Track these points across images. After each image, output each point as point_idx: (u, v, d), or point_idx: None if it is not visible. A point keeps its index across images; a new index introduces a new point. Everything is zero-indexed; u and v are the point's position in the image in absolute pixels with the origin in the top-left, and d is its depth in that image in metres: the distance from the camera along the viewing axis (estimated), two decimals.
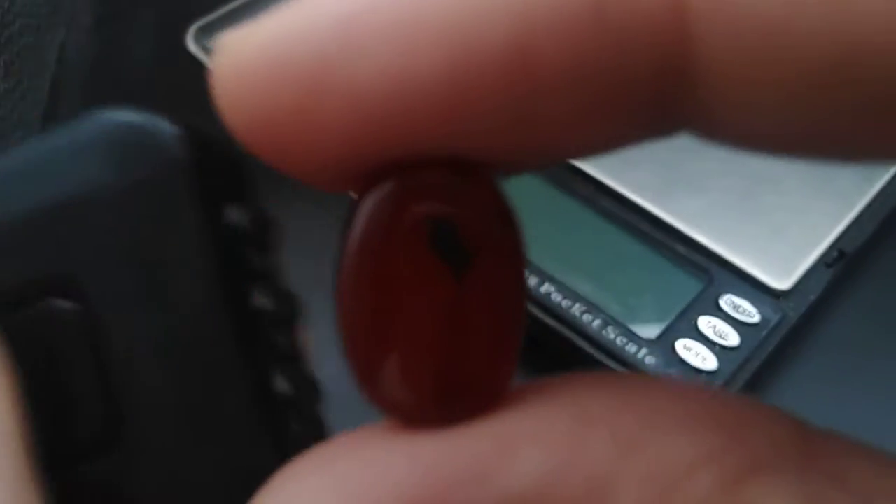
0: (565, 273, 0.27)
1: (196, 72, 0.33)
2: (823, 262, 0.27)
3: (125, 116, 0.11)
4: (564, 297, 0.26)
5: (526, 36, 0.06)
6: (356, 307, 0.07)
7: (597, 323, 0.25)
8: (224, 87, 0.07)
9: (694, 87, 0.07)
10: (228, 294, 0.10)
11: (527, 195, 0.29)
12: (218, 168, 0.11)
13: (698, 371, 0.24)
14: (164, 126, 0.11)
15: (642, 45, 0.06)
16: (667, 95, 0.07)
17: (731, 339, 0.25)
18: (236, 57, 0.07)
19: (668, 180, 0.28)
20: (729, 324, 0.25)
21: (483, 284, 0.07)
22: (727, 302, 0.26)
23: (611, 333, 0.25)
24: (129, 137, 0.11)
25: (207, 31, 0.33)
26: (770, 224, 0.27)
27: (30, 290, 0.10)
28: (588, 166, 0.29)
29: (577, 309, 0.26)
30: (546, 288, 0.26)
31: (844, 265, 0.27)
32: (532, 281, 0.26)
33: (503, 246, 0.07)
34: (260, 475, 0.07)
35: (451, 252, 0.07)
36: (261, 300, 0.11)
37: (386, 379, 0.07)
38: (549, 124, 0.07)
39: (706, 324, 0.25)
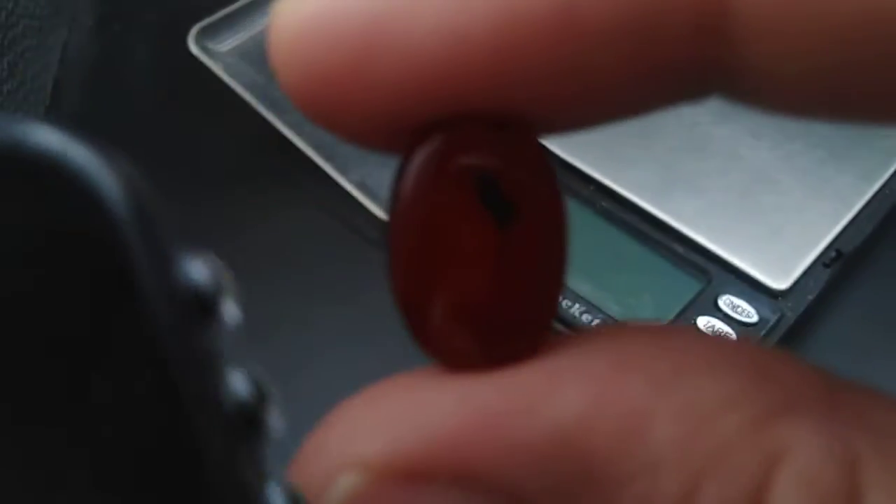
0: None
1: (197, 73, 0.33)
2: (821, 262, 0.27)
3: (31, 140, 0.07)
4: (563, 297, 0.26)
5: None
6: (407, 255, 0.08)
7: (596, 323, 0.25)
8: (280, 45, 0.07)
9: (731, 43, 0.07)
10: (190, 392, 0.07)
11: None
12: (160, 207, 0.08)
13: None
14: (85, 155, 0.07)
15: (681, 1, 0.07)
16: (705, 53, 0.07)
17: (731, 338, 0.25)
18: (292, 16, 0.07)
19: (666, 181, 0.29)
20: (727, 324, 0.25)
21: (526, 234, 0.08)
22: (726, 302, 0.26)
23: None
24: (42, 173, 0.07)
25: (208, 33, 0.33)
26: (768, 224, 0.27)
27: None
28: (587, 166, 0.29)
29: (576, 309, 0.26)
30: None
31: (842, 265, 0.27)
32: None
33: (544, 198, 0.08)
34: None
35: (495, 203, 0.07)
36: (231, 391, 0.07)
37: (435, 324, 0.08)
38: (592, 79, 0.07)
39: (705, 324, 0.25)
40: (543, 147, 0.08)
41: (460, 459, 0.07)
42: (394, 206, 0.07)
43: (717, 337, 0.08)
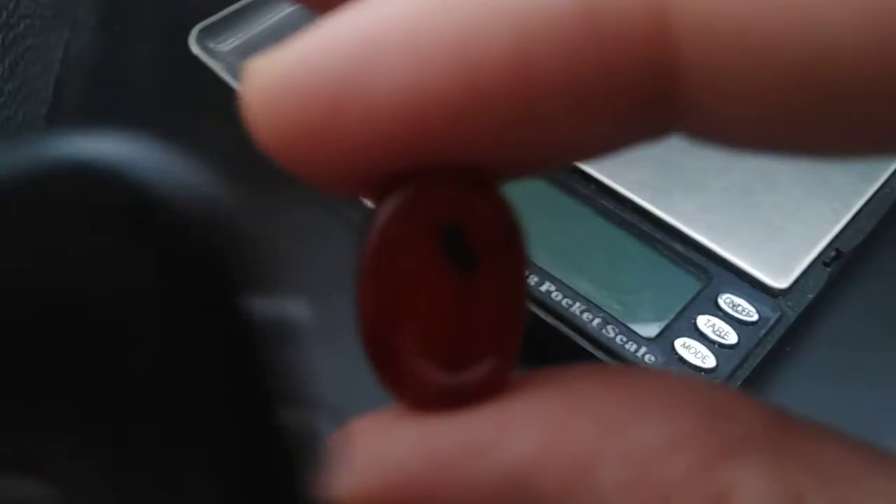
0: (565, 272, 0.27)
1: (198, 73, 0.33)
2: (821, 261, 0.27)
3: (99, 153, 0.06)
4: (564, 296, 0.26)
5: (525, 47, 0.07)
6: (373, 303, 0.08)
7: (596, 321, 0.26)
8: (252, 105, 0.08)
9: (680, 90, 0.07)
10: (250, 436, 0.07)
11: (527, 195, 0.29)
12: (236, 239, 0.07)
13: (697, 369, 0.24)
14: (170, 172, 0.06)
15: (631, 52, 0.07)
16: (657, 98, 0.07)
17: (730, 337, 0.25)
18: (263, 78, 0.07)
19: (667, 180, 0.29)
20: (728, 322, 0.25)
21: (487, 280, 0.08)
22: (726, 301, 0.26)
23: (610, 332, 0.25)
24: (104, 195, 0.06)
25: (210, 33, 0.34)
26: (768, 223, 0.27)
27: None
28: (588, 166, 0.29)
29: (576, 308, 0.26)
30: (546, 286, 0.26)
31: (842, 264, 0.27)
32: (532, 280, 0.26)
33: (507, 251, 0.08)
34: None
35: (458, 255, 0.08)
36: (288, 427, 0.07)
37: (401, 365, 0.08)
38: (549, 129, 0.07)
39: (705, 322, 0.25)
40: (506, 200, 0.08)
41: (419, 499, 0.07)
42: (360, 256, 0.08)
43: (670, 376, 0.08)
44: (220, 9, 0.34)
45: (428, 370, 0.08)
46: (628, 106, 0.07)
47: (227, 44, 0.34)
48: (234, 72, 0.33)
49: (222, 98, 0.32)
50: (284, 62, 0.07)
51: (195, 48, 0.33)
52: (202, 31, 0.33)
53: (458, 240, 0.08)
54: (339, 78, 0.07)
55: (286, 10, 0.35)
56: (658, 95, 0.07)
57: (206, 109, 0.34)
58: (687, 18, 0.07)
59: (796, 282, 0.26)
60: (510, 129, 0.07)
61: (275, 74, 0.08)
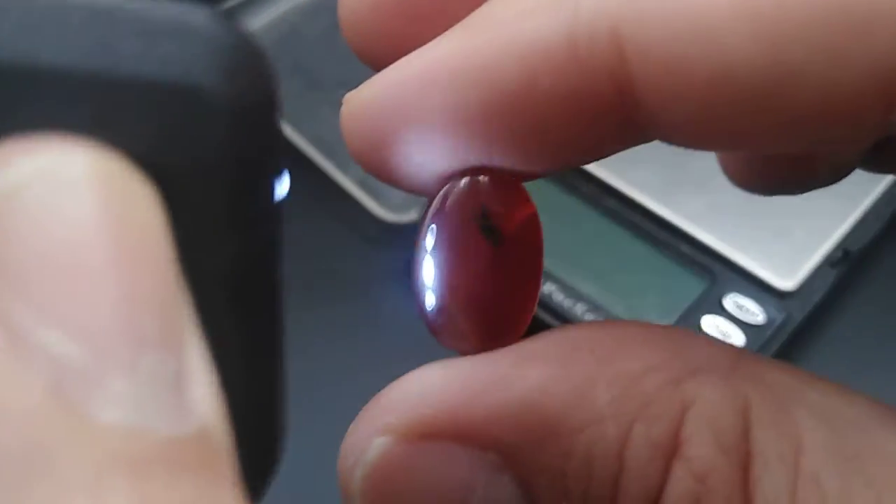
0: (569, 273, 0.26)
1: None
2: (828, 262, 0.26)
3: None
4: (568, 297, 0.26)
5: (529, 72, 0.09)
6: (430, 271, 0.11)
7: None
8: (346, 128, 0.10)
9: (639, 103, 0.09)
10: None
11: (531, 195, 0.29)
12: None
13: None
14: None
15: (600, 69, 0.09)
16: (628, 111, 0.09)
17: (736, 338, 0.25)
18: (351, 108, 0.10)
19: (671, 180, 0.28)
20: (733, 323, 0.25)
21: (511, 256, 0.10)
22: (731, 302, 0.26)
23: None
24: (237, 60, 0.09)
25: None
26: (774, 224, 0.27)
27: None
28: (592, 166, 0.29)
29: (580, 308, 0.26)
30: (549, 287, 0.26)
31: (849, 265, 0.27)
32: None
33: (525, 232, 0.11)
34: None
35: (489, 233, 0.10)
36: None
37: (446, 321, 0.11)
38: (553, 136, 0.10)
39: (710, 323, 0.25)
40: (524, 191, 0.11)
41: (456, 423, 0.09)
42: (423, 231, 0.10)
43: (651, 325, 0.10)
44: (218, 4, 0.34)
45: (466, 324, 0.10)
46: (608, 112, 0.09)
47: None
48: None
49: None
50: (361, 97, 0.10)
51: None
52: None
53: (490, 222, 0.10)
54: (397, 105, 0.10)
55: (284, 6, 0.35)
56: (626, 104, 0.09)
57: None
58: (632, 44, 0.09)
59: (803, 283, 0.26)
60: (523, 137, 0.10)
61: (358, 104, 0.10)
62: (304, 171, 0.31)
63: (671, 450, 0.09)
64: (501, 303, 0.11)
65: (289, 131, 0.31)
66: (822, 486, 0.08)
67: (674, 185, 0.28)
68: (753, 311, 0.25)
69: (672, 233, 0.27)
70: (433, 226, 0.10)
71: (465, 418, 0.09)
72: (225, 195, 0.08)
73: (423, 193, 0.11)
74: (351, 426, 0.10)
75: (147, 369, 0.07)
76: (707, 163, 0.28)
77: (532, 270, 0.11)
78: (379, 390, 0.31)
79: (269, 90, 0.09)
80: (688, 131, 0.10)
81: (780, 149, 0.10)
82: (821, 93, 0.08)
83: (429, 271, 0.10)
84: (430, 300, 0.11)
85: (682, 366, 0.09)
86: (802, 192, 0.14)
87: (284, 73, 0.33)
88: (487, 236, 0.10)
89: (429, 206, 0.11)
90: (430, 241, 0.10)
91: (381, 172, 0.10)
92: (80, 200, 0.07)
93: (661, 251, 0.27)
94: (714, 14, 0.09)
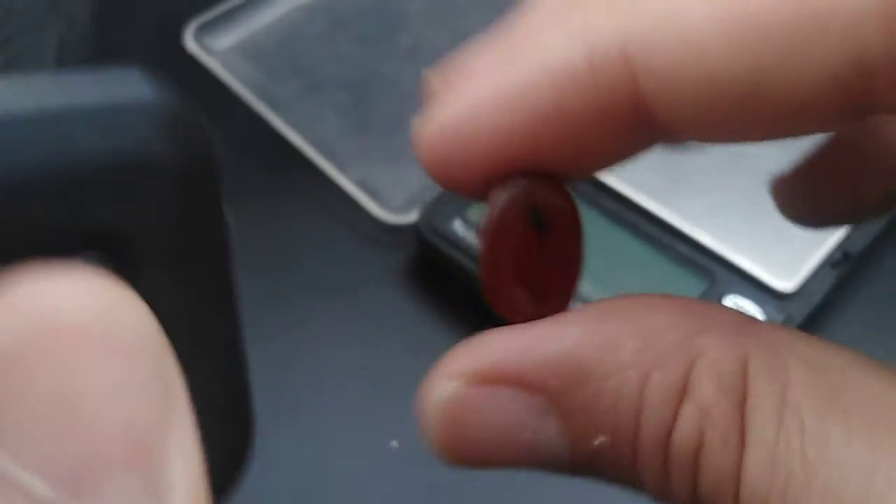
0: None
1: (194, 70, 0.32)
2: (828, 263, 0.26)
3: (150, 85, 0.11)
4: None
5: (558, 94, 0.11)
6: (490, 254, 0.13)
7: None
8: (420, 145, 0.13)
9: (650, 110, 0.11)
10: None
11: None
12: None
13: None
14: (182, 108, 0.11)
15: (620, 93, 0.11)
16: (643, 118, 0.11)
17: None
18: (423, 129, 0.13)
19: (671, 181, 0.28)
20: None
21: (556, 243, 0.13)
22: (731, 303, 0.26)
23: None
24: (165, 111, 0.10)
25: (205, 30, 0.33)
26: (774, 225, 0.27)
27: (68, 239, 0.09)
28: None
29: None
30: None
31: (849, 266, 0.27)
32: None
33: (568, 223, 0.13)
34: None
35: (538, 224, 0.13)
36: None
37: (503, 296, 0.13)
38: (581, 145, 0.12)
39: None
40: (568, 189, 0.13)
41: (512, 372, 0.12)
42: (485, 224, 0.13)
43: (671, 295, 0.12)
44: (217, 6, 0.34)
45: (520, 298, 0.13)
46: (630, 125, 0.12)
47: (223, 41, 0.33)
48: (231, 69, 0.32)
49: (219, 96, 0.32)
50: (433, 121, 0.13)
51: (191, 45, 0.32)
52: (198, 28, 0.33)
53: (538, 215, 0.13)
54: (459, 127, 0.12)
55: (284, 8, 0.35)
56: (640, 112, 0.11)
57: (202, 107, 0.34)
58: (638, 62, 0.11)
59: (803, 284, 0.26)
60: (559, 146, 0.12)
61: (428, 127, 0.13)
62: (303, 171, 0.31)
63: (681, 392, 0.11)
64: (547, 280, 0.13)
65: (288, 132, 0.31)
66: (801, 413, 0.10)
67: (673, 186, 0.28)
68: (753, 313, 0.25)
69: (671, 234, 0.27)
70: (494, 217, 0.13)
71: (519, 368, 0.12)
72: (178, 245, 0.10)
73: (480, 198, 0.13)
74: (429, 374, 0.13)
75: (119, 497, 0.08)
76: (706, 163, 0.28)
77: (573, 254, 0.13)
78: (378, 389, 0.32)
79: (207, 145, 0.11)
80: (690, 130, 0.12)
81: (770, 138, 0.12)
82: (790, 89, 0.10)
83: (490, 254, 0.13)
84: (490, 276, 0.13)
85: (695, 325, 0.11)
86: (854, 223, 0.15)
87: (284, 75, 0.33)
88: (537, 227, 0.13)
89: (489, 205, 0.13)
90: (492, 229, 0.13)
91: (446, 183, 0.13)
92: (83, 363, 0.08)
93: (660, 252, 0.27)
94: (698, 29, 0.10)
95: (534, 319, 0.12)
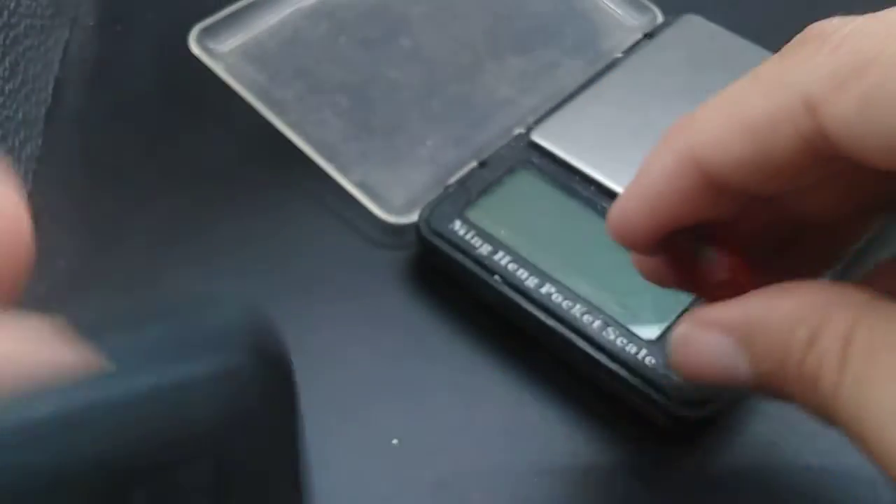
0: (566, 274, 0.27)
1: (198, 73, 0.33)
2: None
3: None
4: (565, 298, 0.26)
5: (765, 146, 0.16)
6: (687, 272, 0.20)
7: (597, 324, 0.25)
8: (612, 226, 0.19)
9: (832, 145, 0.15)
10: None
11: (529, 197, 0.29)
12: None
13: None
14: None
15: (808, 140, 0.16)
16: (827, 151, 0.16)
17: None
18: (615, 211, 0.19)
19: None
20: None
21: (723, 262, 0.19)
22: None
23: (611, 334, 0.25)
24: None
25: (210, 33, 0.34)
26: None
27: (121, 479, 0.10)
28: (589, 167, 0.29)
29: (577, 310, 0.26)
30: (547, 289, 0.26)
31: (843, 267, 0.27)
32: (533, 282, 0.26)
33: (731, 250, 0.19)
34: None
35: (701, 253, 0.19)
36: None
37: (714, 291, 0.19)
38: (783, 173, 0.17)
39: None
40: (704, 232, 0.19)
41: (722, 320, 0.18)
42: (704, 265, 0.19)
43: (818, 282, 0.17)
44: (220, 9, 0.34)
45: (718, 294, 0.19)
46: (813, 159, 0.16)
47: (227, 44, 0.34)
48: (234, 72, 0.33)
49: (222, 98, 0.32)
50: (611, 212, 0.19)
51: (195, 48, 0.33)
52: (202, 31, 0.33)
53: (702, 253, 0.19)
54: (623, 216, 0.19)
55: (286, 11, 0.35)
56: (825, 149, 0.16)
57: (206, 110, 0.34)
58: (831, 119, 0.15)
59: None
60: (697, 208, 0.18)
61: (619, 208, 0.19)
62: (306, 173, 0.31)
63: (813, 340, 0.16)
64: (733, 286, 0.18)
65: (290, 134, 0.31)
66: (875, 352, 0.15)
67: None
68: None
69: None
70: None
71: (725, 319, 0.18)
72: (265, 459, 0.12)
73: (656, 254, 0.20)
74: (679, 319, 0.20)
75: None
76: None
77: (739, 262, 0.19)
78: (379, 390, 0.32)
79: (286, 357, 0.13)
80: (872, 159, 0.15)
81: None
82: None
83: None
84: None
85: (828, 300, 0.16)
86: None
87: (286, 77, 0.33)
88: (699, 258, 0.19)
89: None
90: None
91: (630, 248, 0.20)
92: None
93: None
94: (843, 109, 0.15)
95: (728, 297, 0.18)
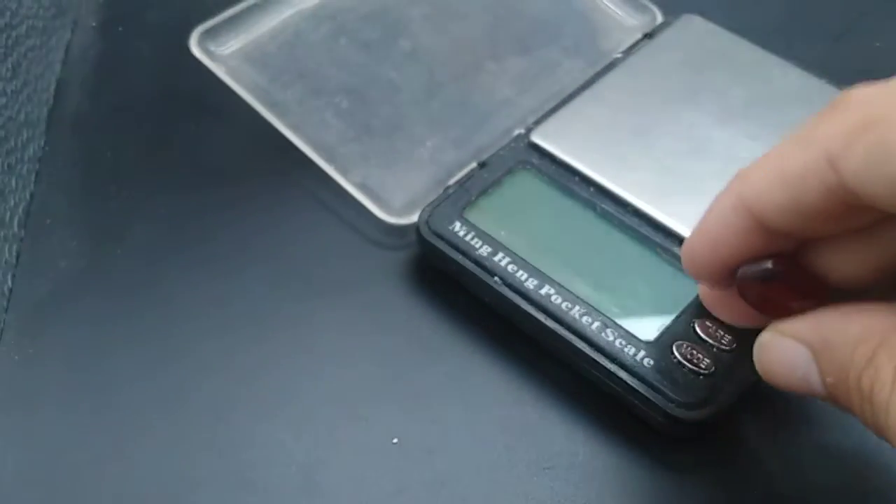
0: (565, 275, 0.27)
1: (199, 75, 0.33)
2: None
3: None
4: (564, 300, 0.26)
5: (796, 198, 0.19)
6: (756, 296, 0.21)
7: (596, 325, 0.26)
8: (686, 259, 0.22)
9: (853, 195, 0.17)
10: None
11: (528, 198, 0.29)
12: None
13: (695, 372, 0.25)
14: None
15: (833, 191, 0.18)
16: (850, 199, 0.17)
17: (728, 341, 0.25)
18: (687, 247, 0.22)
19: (666, 183, 0.29)
20: (725, 325, 0.26)
21: (786, 286, 0.20)
22: None
23: (609, 335, 0.25)
24: None
25: (211, 35, 0.34)
26: None
27: None
28: (588, 169, 0.29)
29: (576, 311, 0.26)
30: (546, 290, 0.26)
31: None
32: (532, 283, 0.26)
33: (797, 279, 0.20)
34: None
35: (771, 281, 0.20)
36: None
37: (775, 311, 0.21)
38: (815, 229, 0.19)
39: (703, 326, 0.26)
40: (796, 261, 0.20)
41: (798, 332, 0.20)
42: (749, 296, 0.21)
43: (878, 303, 0.19)
44: (221, 11, 0.34)
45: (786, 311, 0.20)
46: (843, 210, 0.18)
47: (228, 46, 0.34)
48: (235, 74, 0.33)
49: (222, 100, 0.32)
50: (682, 249, 0.22)
51: (196, 50, 0.33)
52: (203, 33, 0.33)
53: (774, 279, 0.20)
54: (690, 252, 0.21)
55: (286, 13, 0.35)
56: (848, 197, 0.17)
57: (207, 111, 0.34)
58: (846, 171, 0.17)
59: None
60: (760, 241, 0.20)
61: (681, 254, 0.22)
62: (306, 174, 0.31)
63: (871, 358, 0.18)
64: (804, 303, 0.20)
65: (291, 136, 0.31)
66: None
67: (669, 188, 0.28)
68: None
69: (667, 236, 0.28)
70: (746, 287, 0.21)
71: (801, 332, 0.19)
72: None
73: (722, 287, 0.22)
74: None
75: None
76: (701, 167, 0.29)
77: (819, 289, 0.20)
78: (380, 389, 0.32)
79: None
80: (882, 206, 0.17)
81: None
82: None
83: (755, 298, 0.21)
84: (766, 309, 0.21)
85: (888, 324, 0.18)
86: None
87: (287, 79, 0.33)
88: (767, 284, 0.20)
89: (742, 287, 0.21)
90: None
91: (701, 278, 0.22)
92: None
93: (657, 255, 0.27)
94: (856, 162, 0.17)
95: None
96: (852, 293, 0.20)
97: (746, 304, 0.21)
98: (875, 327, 0.18)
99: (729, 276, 0.21)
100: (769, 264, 0.20)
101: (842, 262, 0.20)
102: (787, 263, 0.20)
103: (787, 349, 0.20)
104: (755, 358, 0.21)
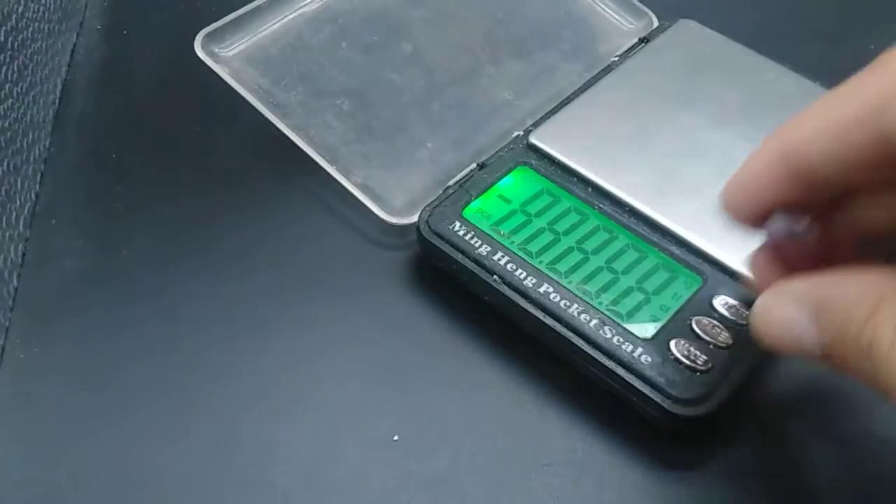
0: (563, 274, 0.27)
1: (203, 77, 0.33)
2: None
3: None
4: (562, 298, 0.26)
5: (842, 153, 0.19)
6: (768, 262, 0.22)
7: (594, 322, 0.26)
8: (725, 200, 0.22)
9: None
10: None
11: (527, 197, 0.29)
12: None
13: (692, 370, 0.25)
14: None
15: (884, 143, 0.18)
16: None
17: (725, 338, 0.26)
18: (727, 189, 0.22)
19: (663, 184, 0.29)
20: (722, 324, 0.26)
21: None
22: (721, 302, 0.26)
23: (607, 333, 0.26)
24: None
25: (215, 37, 0.34)
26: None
27: None
28: (587, 170, 0.29)
29: (574, 309, 0.26)
30: (545, 288, 0.27)
31: None
32: (531, 281, 0.27)
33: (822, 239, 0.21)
34: None
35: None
36: None
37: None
38: (821, 190, 0.20)
39: (700, 324, 0.26)
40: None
41: (795, 292, 0.20)
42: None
43: (876, 268, 0.19)
44: (225, 13, 0.34)
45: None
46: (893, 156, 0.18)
47: (232, 48, 0.34)
48: (239, 76, 0.33)
49: (226, 102, 0.33)
50: (723, 190, 0.22)
51: (200, 52, 0.33)
52: (207, 35, 0.34)
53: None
54: (729, 191, 0.22)
55: (290, 15, 0.35)
56: (891, 148, 0.18)
57: (211, 113, 0.34)
58: (885, 123, 0.18)
59: None
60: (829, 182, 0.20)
61: (721, 194, 0.22)
62: (308, 175, 0.31)
63: (868, 318, 0.18)
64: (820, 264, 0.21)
65: (293, 137, 0.31)
66: None
67: (666, 188, 0.29)
68: (742, 312, 0.26)
69: (664, 235, 0.28)
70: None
71: (798, 292, 0.20)
72: None
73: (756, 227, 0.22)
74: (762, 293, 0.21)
75: None
76: (698, 168, 0.29)
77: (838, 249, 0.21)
78: (380, 386, 0.32)
79: None
80: None
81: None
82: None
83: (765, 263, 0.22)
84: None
85: (885, 286, 0.18)
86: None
87: (290, 81, 0.34)
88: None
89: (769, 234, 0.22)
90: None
91: (738, 221, 0.22)
92: None
93: (654, 254, 0.28)
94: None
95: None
96: (882, 248, 0.21)
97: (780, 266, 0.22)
98: (874, 287, 0.18)
99: (763, 218, 0.21)
100: (797, 224, 0.21)
101: (878, 213, 0.21)
102: (813, 225, 0.21)
103: (785, 308, 0.20)
104: (752, 318, 0.21)
